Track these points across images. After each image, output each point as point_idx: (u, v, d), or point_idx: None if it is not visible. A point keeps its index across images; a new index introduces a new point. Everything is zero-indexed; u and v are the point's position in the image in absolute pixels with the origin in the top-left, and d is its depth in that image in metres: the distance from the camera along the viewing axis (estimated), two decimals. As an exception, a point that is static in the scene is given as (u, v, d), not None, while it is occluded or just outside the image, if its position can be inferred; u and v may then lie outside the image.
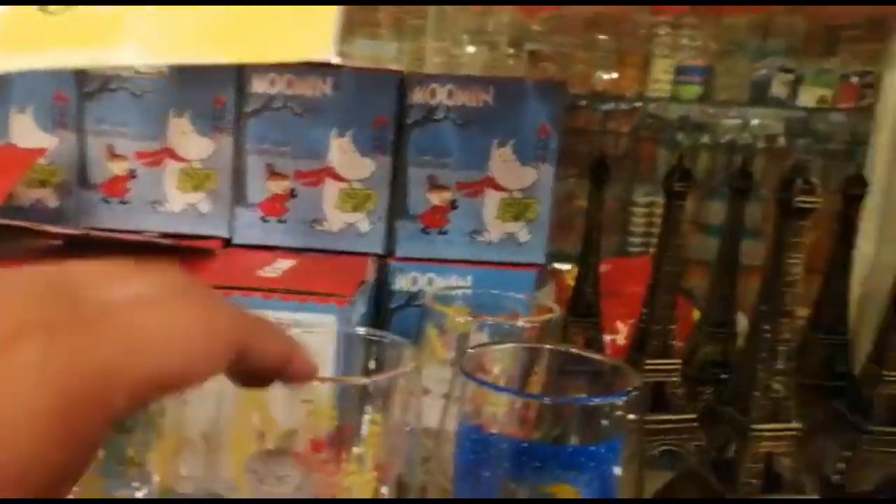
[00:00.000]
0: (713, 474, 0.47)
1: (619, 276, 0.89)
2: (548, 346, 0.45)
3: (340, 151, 0.60)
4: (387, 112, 0.59)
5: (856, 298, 0.79)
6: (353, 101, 0.59)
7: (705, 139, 2.78)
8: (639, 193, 2.81)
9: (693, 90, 2.69)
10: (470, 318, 0.51)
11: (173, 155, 0.59)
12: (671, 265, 0.57)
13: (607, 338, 0.74)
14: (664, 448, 0.57)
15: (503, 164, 0.59)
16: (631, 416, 0.35)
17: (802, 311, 0.70)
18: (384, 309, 0.61)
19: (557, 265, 1.15)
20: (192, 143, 0.58)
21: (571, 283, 1.08)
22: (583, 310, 0.69)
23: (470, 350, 0.41)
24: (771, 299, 0.44)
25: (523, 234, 0.61)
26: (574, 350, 0.42)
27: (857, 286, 0.80)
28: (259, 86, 0.59)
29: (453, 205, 0.60)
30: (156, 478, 0.40)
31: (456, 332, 0.51)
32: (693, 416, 0.58)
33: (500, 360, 0.45)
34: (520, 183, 0.60)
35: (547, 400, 0.40)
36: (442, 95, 0.58)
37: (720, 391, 0.63)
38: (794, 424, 0.45)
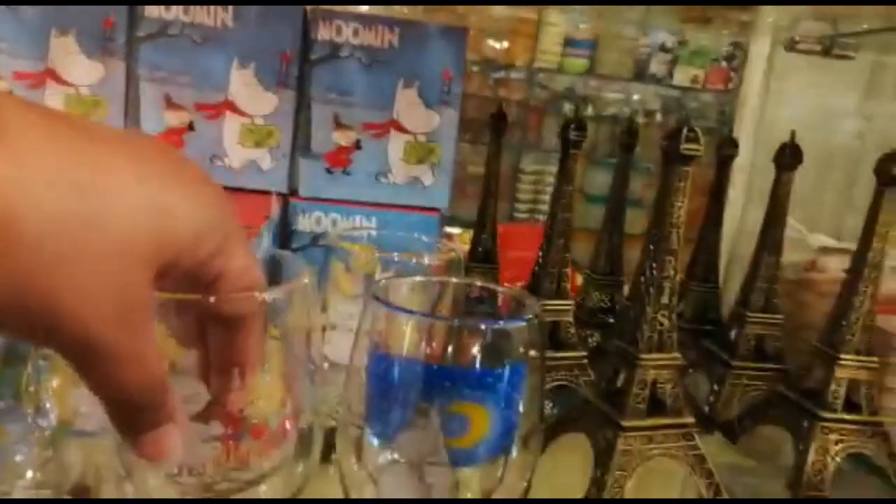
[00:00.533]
0: (605, 402, 0.50)
1: (507, 241, 0.91)
2: (454, 280, 0.46)
3: (242, 84, 0.58)
4: (291, 46, 0.57)
5: (726, 253, 0.87)
6: (255, 33, 0.57)
7: (589, 111, 2.89)
8: (527, 161, 2.89)
9: (580, 63, 2.78)
10: (376, 256, 0.52)
11: (56, 78, 0.54)
12: (564, 211, 0.59)
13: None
14: (558, 383, 0.61)
15: (408, 106, 0.59)
16: (533, 341, 0.37)
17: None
18: (288, 248, 0.60)
19: (450, 229, 1.17)
20: (78, 65, 0.54)
21: (465, 247, 1.09)
22: (482, 256, 0.71)
23: (380, 280, 0.41)
24: (657, 239, 0.47)
25: (427, 178, 0.61)
26: (479, 283, 0.44)
27: (728, 242, 0.88)
28: (153, 10, 0.55)
29: (358, 145, 0.60)
30: (53, 412, 0.38)
31: (362, 270, 0.51)
32: (584, 353, 0.61)
33: (408, 295, 0.45)
34: (424, 126, 0.60)
35: (455, 322, 0.41)
36: (347, 33, 0.57)
37: (608, 334, 0.68)
38: (676, 355, 0.49)
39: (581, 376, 0.60)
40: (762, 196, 0.66)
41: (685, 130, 0.46)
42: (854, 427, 0.53)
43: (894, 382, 0.58)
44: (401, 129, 0.60)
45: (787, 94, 0.87)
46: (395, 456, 0.37)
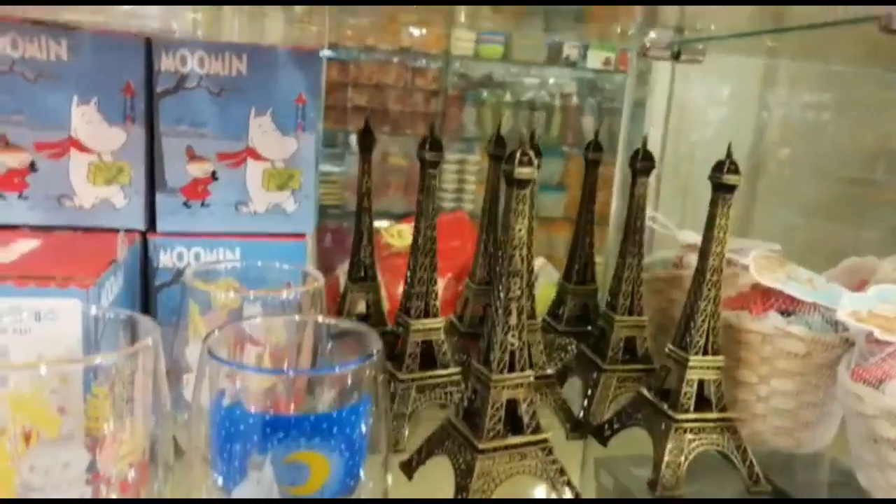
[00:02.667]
0: (465, 423, 0.51)
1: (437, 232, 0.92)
2: (296, 318, 0.46)
3: (85, 120, 0.56)
4: (134, 78, 0.56)
5: (606, 252, 0.89)
6: (94, 66, 0.55)
7: (507, 97, 2.92)
8: (448, 151, 2.90)
9: (495, 50, 2.81)
10: (231, 295, 0.51)
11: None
12: (429, 229, 0.60)
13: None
14: (433, 402, 0.62)
15: (262, 133, 0.58)
16: (376, 377, 0.37)
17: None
18: (149, 288, 0.59)
19: (378, 223, 1.16)
20: None
21: (389, 239, 1.09)
22: (360, 274, 0.71)
23: (217, 330, 0.41)
24: (503, 262, 0.48)
25: (290, 204, 0.61)
26: (320, 318, 0.44)
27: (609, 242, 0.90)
28: (-21, 47, 0.53)
29: (214, 176, 0.59)
30: None
31: (224, 309, 0.50)
32: (457, 370, 0.62)
33: (267, 333, 0.45)
34: (281, 153, 0.59)
35: (287, 372, 0.41)
36: (192, 63, 0.56)
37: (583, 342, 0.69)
38: (528, 373, 0.50)
39: (456, 394, 0.61)
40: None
41: (518, 154, 0.47)
42: (705, 425, 0.56)
43: (745, 376, 0.61)
44: (257, 156, 0.59)
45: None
46: (235, 507, 0.37)
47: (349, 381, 0.37)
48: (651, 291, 0.73)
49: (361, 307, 0.71)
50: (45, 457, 0.36)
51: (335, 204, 2.53)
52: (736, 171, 0.52)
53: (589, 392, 0.66)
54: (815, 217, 1.17)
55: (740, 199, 0.56)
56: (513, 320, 0.49)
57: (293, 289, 0.53)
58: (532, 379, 0.50)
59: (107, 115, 0.56)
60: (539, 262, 1.36)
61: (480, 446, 0.48)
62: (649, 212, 0.75)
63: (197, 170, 0.59)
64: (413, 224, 1.11)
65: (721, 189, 0.53)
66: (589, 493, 0.61)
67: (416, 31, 2.70)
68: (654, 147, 0.66)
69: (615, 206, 0.87)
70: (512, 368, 0.50)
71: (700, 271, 0.56)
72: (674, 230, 0.78)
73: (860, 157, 1.18)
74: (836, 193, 1.18)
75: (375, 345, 0.38)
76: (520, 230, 0.48)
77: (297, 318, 0.47)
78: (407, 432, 0.59)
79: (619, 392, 0.66)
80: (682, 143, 1.16)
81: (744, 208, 1.17)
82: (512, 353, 0.50)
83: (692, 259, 0.74)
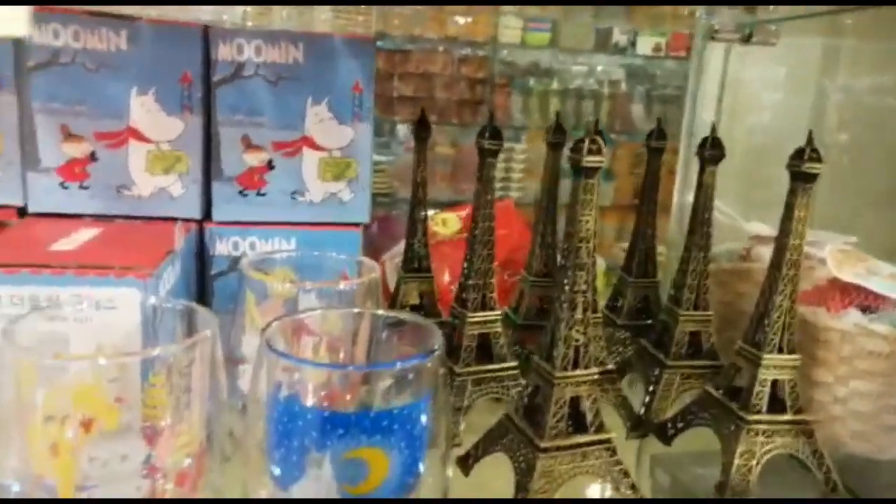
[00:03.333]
0: (526, 420, 0.49)
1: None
2: (354, 310, 0.45)
3: (144, 110, 0.55)
4: (192, 68, 0.55)
5: (668, 243, 0.86)
6: (153, 56, 0.55)
7: (554, 85, 2.87)
8: (495, 139, 2.87)
9: (542, 37, 2.76)
10: (289, 284, 0.50)
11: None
12: (486, 220, 0.58)
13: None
14: (492, 395, 0.60)
15: (319, 122, 0.57)
16: (437, 373, 0.36)
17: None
18: (206, 276, 0.59)
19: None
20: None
21: (435, 228, 1.09)
22: (413, 265, 0.70)
23: (274, 321, 0.40)
24: (569, 254, 0.46)
25: (345, 194, 0.60)
26: (381, 312, 0.43)
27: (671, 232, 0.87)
28: (42, 37, 0.53)
29: (270, 165, 0.58)
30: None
31: (280, 298, 0.50)
32: (515, 364, 0.60)
33: (324, 324, 0.44)
34: (338, 142, 0.58)
35: (348, 368, 0.40)
36: (249, 51, 0.55)
37: (644, 336, 0.67)
38: (593, 370, 0.48)
39: (513, 388, 0.60)
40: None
41: (587, 142, 0.45)
42: (779, 428, 0.53)
43: (821, 376, 0.58)
44: (314, 146, 0.58)
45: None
46: (294, 506, 0.36)
47: (410, 377, 0.36)
48: (716, 284, 0.70)
49: (414, 298, 0.70)
50: (103, 448, 0.35)
51: (383, 192, 2.54)
52: (818, 158, 0.49)
53: (651, 389, 0.64)
54: (880, 207, 1.11)
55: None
56: (578, 315, 0.47)
57: (350, 280, 0.52)
58: (597, 376, 0.48)
59: (165, 104, 0.56)
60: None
61: (542, 445, 0.47)
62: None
63: (253, 159, 0.58)
64: (459, 212, 1.11)
65: (800, 178, 0.50)
66: (644, 491, 0.59)
67: (462, 20, 2.68)
68: (705, 132, 0.62)
69: (677, 195, 0.84)
70: (576, 365, 0.48)
71: (775, 265, 0.53)
72: (739, 220, 0.75)
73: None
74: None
75: (437, 340, 0.37)
76: (587, 221, 0.46)
77: (355, 310, 0.46)
78: (463, 426, 0.58)
79: (683, 389, 0.63)
80: (738, 128, 1.12)
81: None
82: (577, 349, 0.48)
83: (761, 251, 0.71)
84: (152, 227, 0.55)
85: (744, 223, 0.74)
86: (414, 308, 0.70)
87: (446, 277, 0.99)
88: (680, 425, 0.59)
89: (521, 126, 2.91)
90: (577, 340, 0.48)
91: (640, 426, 0.61)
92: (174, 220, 0.57)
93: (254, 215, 0.59)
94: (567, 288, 0.47)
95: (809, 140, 0.49)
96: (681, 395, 0.63)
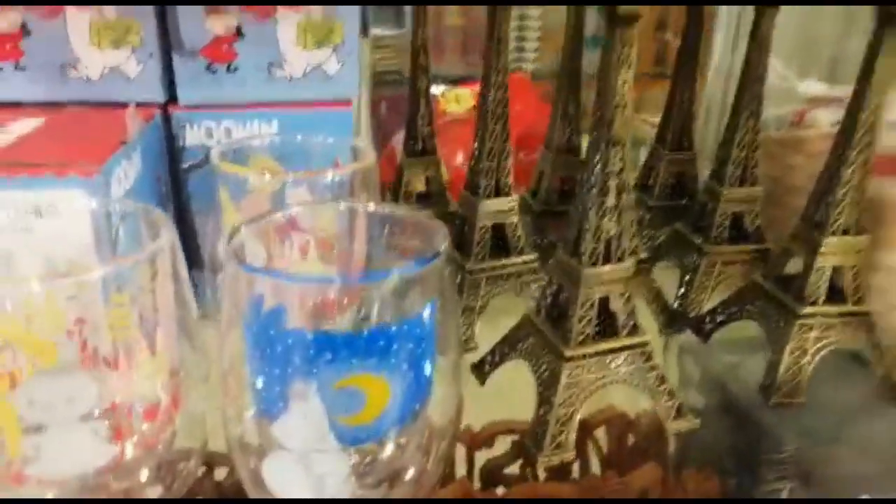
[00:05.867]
0: (549, 324, 0.43)
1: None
2: (344, 204, 0.38)
3: (79, -31, 0.46)
4: (130, -89, 0.45)
5: (703, 111, 0.76)
6: None
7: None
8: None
9: None
10: (268, 177, 0.43)
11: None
12: (499, 89, 0.49)
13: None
14: (510, 292, 0.54)
15: (292, -25, 0.47)
16: (442, 277, 0.30)
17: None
18: (178, 171, 0.51)
19: (433, 88, 1.08)
20: None
21: (447, 106, 1.01)
22: (417, 147, 0.61)
23: (244, 225, 0.33)
24: (601, 125, 0.38)
25: (332, 64, 0.51)
26: (374, 207, 0.36)
27: (706, 100, 0.77)
28: None
29: (239, 32, 0.49)
30: None
31: (263, 192, 0.42)
32: (534, 257, 0.54)
33: (311, 220, 0.38)
34: (321, -2, 0.49)
35: (330, 281, 0.33)
36: None
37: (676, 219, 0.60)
38: (627, 265, 0.41)
39: (533, 283, 0.53)
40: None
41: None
42: (836, 321, 0.46)
43: (888, 259, 0.51)
44: (289, 5, 0.49)
45: None
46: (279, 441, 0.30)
47: (411, 285, 0.29)
48: (762, 155, 0.61)
49: (420, 184, 0.63)
50: (58, 384, 0.30)
51: (391, 70, 2.39)
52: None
53: (687, 278, 0.57)
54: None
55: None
56: (610, 201, 0.40)
57: (341, 169, 0.44)
58: (630, 274, 0.41)
59: (103, -41, 0.46)
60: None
61: (568, 353, 0.41)
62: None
63: (219, 25, 0.49)
64: (472, 88, 1.01)
65: (889, 22, 0.40)
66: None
67: None
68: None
69: (718, 51, 0.73)
70: (608, 259, 0.41)
71: (847, 129, 0.44)
72: (792, 80, 0.65)
73: None
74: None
75: (442, 239, 0.30)
76: (623, 84, 0.37)
77: (346, 205, 0.38)
78: (478, 328, 0.52)
79: (724, 278, 0.56)
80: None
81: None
82: (608, 242, 0.40)
83: (816, 116, 0.62)
84: (106, 115, 0.47)
85: (797, 81, 0.64)
86: (420, 196, 0.62)
87: (459, 159, 0.93)
88: (720, 319, 0.52)
89: (537, -11, 2.70)
90: (609, 231, 0.40)
91: (674, 321, 0.55)
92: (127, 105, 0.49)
93: (226, 95, 0.50)
94: (598, 168, 0.39)
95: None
96: (719, 285, 0.56)
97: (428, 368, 0.30)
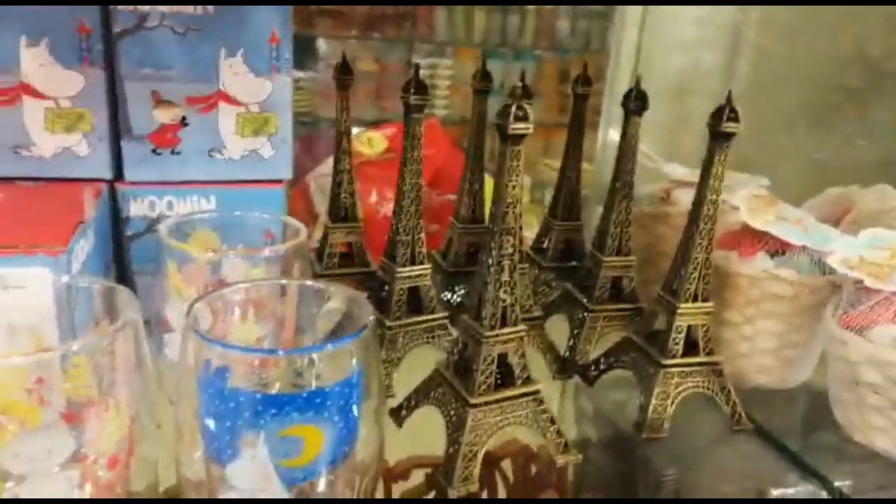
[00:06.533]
0: (457, 376, 0.51)
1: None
2: (282, 281, 0.44)
3: (37, 63, 0.51)
4: (87, 16, 0.51)
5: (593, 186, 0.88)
6: (42, 6, 0.50)
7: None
8: (419, 55, 2.80)
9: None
10: (210, 252, 0.49)
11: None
12: (413, 177, 0.57)
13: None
14: (423, 343, 0.61)
15: (234, 76, 0.54)
16: (368, 347, 0.37)
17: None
18: (121, 237, 0.57)
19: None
20: None
21: (360, 147, 1.05)
22: (341, 214, 0.68)
23: (198, 301, 0.39)
24: (496, 219, 0.47)
25: (266, 150, 0.58)
26: (310, 284, 0.43)
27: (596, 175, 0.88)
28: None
29: (184, 122, 0.55)
30: None
31: (204, 261, 0.48)
32: (444, 315, 0.61)
33: (251, 294, 0.44)
34: (255, 96, 0.56)
35: (278, 353, 0.40)
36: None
37: (567, 280, 0.69)
38: (520, 328, 0.49)
39: (443, 337, 0.61)
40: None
41: (513, 109, 0.44)
42: (693, 369, 0.56)
43: (732, 317, 0.62)
44: (230, 100, 0.55)
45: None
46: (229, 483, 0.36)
47: (342, 353, 0.36)
48: (637, 227, 0.72)
49: (342, 247, 0.69)
50: (28, 443, 0.35)
51: (304, 111, 2.45)
52: (736, 118, 0.50)
53: (575, 331, 0.66)
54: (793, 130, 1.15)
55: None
56: (505, 277, 0.48)
57: (276, 247, 0.50)
58: (523, 335, 0.50)
59: (60, 57, 0.51)
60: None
61: (472, 401, 0.48)
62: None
63: (165, 115, 0.55)
64: (384, 131, 1.09)
65: (719, 137, 0.51)
66: (568, 418, 0.63)
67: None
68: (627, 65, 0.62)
69: (601, 141, 0.85)
70: (504, 323, 0.49)
71: (693, 219, 0.55)
72: (660, 163, 0.76)
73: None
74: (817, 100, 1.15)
75: (367, 314, 0.37)
76: (514, 187, 0.46)
77: (282, 280, 0.45)
78: (395, 378, 0.59)
79: (606, 331, 0.66)
80: (656, 63, 1.11)
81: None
82: (504, 309, 0.49)
83: (680, 194, 0.73)
84: (60, 190, 0.52)
85: (664, 165, 0.75)
86: (343, 256, 0.69)
87: (373, 198, 0.97)
88: (602, 367, 0.62)
89: (446, 41, 2.85)
90: (504, 301, 0.49)
91: (564, 369, 0.64)
92: (83, 181, 0.54)
93: (169, 175, 0.56)
94: (494, 252, 0.47)
95: (728, 100, 0.50)
96: (602, 337, 0.66)
97: (355, 418, 0.37)
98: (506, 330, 0.49)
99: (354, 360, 0.36)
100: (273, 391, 0.37)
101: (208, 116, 0.55)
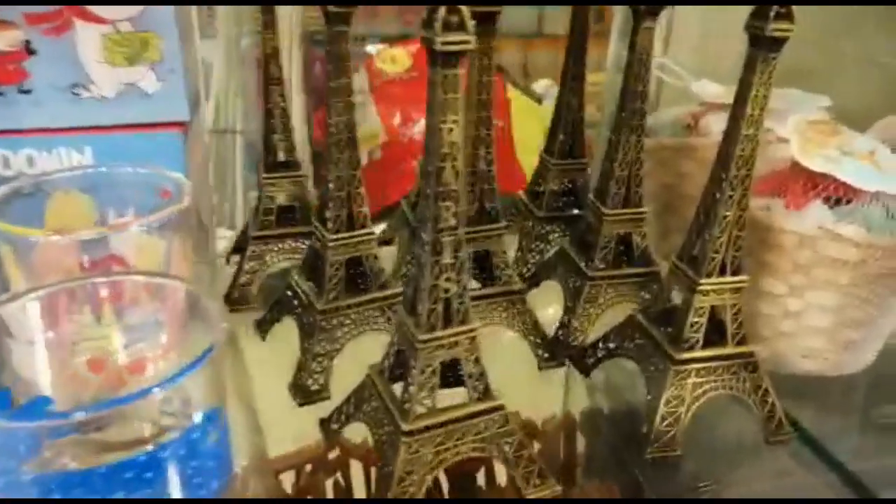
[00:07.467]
0: (389, 389, 0.38)
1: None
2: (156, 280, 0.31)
3: None
4: None
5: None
6: None
7: None
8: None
9: None
10: (54, 237, 0.36)
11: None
12: (341, 114, 0.43)
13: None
14: (372, 329, 0.48)
15: (86, -17, 0.40)
16: (219, 378, 0.25)
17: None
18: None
19: (369, 47, 1.01)
20: None
21: (381, 65, 0.95)
22: (278, 160, 0.55)
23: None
24: (429, 179, 0.33)
25: (149, 82, 0.44)
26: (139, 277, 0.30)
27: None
28: None
29: (29, 48, 0.41)
30: None
31: (55, 248, 0.36)
32: (398, 290, 0.48)
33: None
34: (124, 10, 0.41)
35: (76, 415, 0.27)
36: None
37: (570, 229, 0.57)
38: (469, 326, 0.36)
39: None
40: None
41: (442, 12, 0.29)
42: (717, 364, 0.42)
43: (772, 286, 0.47)
44: (87, 16, 0.41)
45: None
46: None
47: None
48: (656, 162, 0.57)
49: (282, 199, 0.56)
50: None
51: (322, 28, 2.27)
52: (787, 16, 0.34)
53: (568, 304, 0.52)
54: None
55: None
56: (446, 258, 0.34)
57: (149, 216, 0.37)
58: (475, 334, 0.36)
59: None
60: (544, 84, 1.18)
61: (406, 428, 0.36)
62: (656, 60, 0.56)
63: (2, 41, 0.41)
64: (409, 47, 0.95)
65: (762, 44, 0.35)
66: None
67: None
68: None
69: (612, 54, 0.68)
70: (448, 322, 0.36)
71: (722, 162, 0.40)
72: (688, 81, 0.60)
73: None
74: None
75: (217, 333, 0.25)
76: (450, 130, 0.31)
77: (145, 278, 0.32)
78: (330, 375, 0.47)
79: (611, 303, 0.52)
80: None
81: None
82: (447, 302, 0.35)
83: (711, 121, 0.57)
84: None
85: (693, 83, 0.59)
86: (285, 210, 0.56)
87: (397, 120, 0.89)
88: (601, 354, 0.48)
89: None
90: (446, 291, 0.35)
91: (554, 356, 0.51)
92: None
93: (20, 120, 0.43)
94: (430, 224, 0.33)
95: (777, -12, 0.34)
96: (608, 310, 0.52)
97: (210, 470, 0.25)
98: (450, 330, 0.36)
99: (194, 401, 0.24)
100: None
101: (61, 40, 0.41)
